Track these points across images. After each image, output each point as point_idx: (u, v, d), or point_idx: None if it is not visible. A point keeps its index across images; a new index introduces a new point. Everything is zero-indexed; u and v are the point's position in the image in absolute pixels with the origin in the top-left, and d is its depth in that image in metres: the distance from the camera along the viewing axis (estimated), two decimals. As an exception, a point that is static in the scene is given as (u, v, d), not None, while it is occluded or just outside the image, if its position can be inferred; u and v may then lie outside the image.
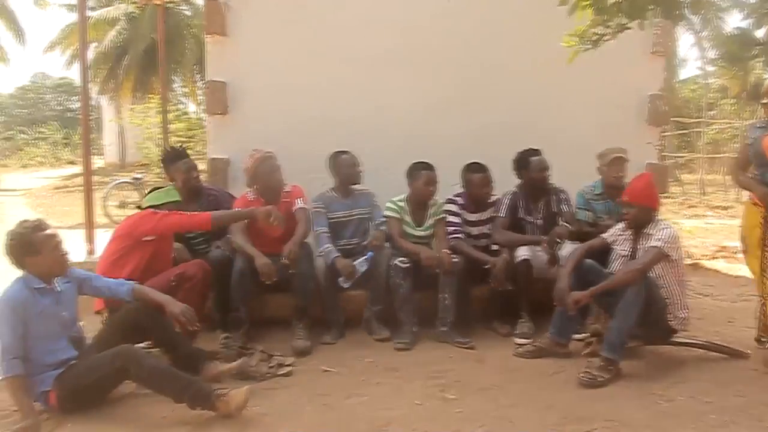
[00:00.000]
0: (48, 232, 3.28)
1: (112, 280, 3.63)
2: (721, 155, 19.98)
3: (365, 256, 4.57)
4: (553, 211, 4.86)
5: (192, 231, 4.03)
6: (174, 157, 4.77)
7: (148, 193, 4.30)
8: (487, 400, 3.55)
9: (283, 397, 3.59)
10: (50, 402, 3.27)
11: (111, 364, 3.23)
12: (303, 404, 3.50)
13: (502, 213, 4.84)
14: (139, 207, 4.30)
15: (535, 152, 4.81)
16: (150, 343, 3.72)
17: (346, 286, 4.53)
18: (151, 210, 4.07)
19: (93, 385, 3.26)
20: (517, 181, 4.93)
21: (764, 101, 4.08)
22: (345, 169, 4.85)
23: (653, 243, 3.94)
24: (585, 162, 4.87)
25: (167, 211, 4.05)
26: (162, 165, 4.96)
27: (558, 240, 4.53)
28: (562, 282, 4.13)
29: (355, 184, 4.89)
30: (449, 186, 4.98)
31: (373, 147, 5.31)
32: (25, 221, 3.31)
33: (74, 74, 45.85)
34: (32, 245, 3.20)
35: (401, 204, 4.82)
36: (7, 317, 3.13)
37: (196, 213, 4.11)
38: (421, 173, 4.74)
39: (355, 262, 4.52)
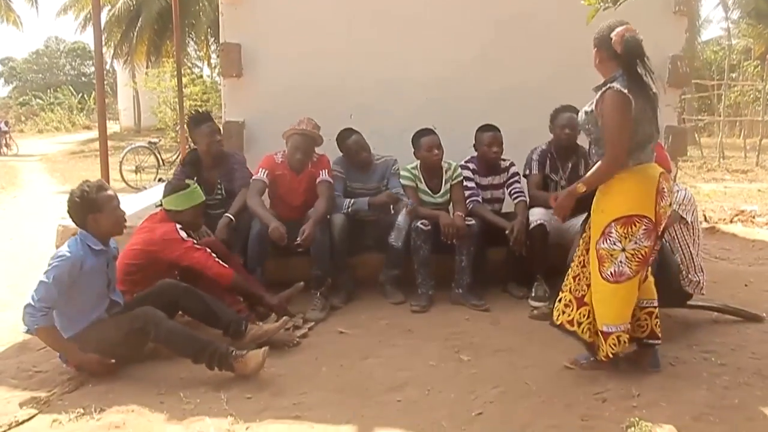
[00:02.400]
0: (110, 192, 3.41)
1: None
2: (742, 118, 19.68)
3: (399, 221, 4.49)
4: (580, 175, 4.77)
5: (207, 273, 3.82)
6: (198, 121, 4.75)
7: (166, 191, 4.05)
8: (501, 361, 3.59)
9: (299, 359, 3.64)
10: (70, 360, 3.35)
11: (130, 325, 3.29)
12: (319, 365, 3.55)
13: (535, 170, 4.78)
14: (159, 204, 4.18)
15: (568, 109, 4.68)
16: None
17: (397, 244, 4.47)
18: (176, 231, 3.84)
19: (111, 346, 3.31)
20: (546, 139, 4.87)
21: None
22: (350, 156, 4.83)
23: None
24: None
25: (194, 244, 3.85)
26: (187, 129, 4.97)
27: None
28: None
29: (363, 166, 4.86)
30: (469, 149, 4.95)
31: (393, 110, 5.31)
32: (88, 182, 3.43)
33: (88, 38, 45.91)
34: (95, 203, 3.31)
35: (415, 172, 4.80)
36: (60, 272, 3.17)
37: (223, 265, 3.87)
38: (421, 141, 4.71)
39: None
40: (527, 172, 4.83)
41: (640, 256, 3.15)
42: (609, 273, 3.17)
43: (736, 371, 3.38)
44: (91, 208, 3.32)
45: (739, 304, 4.38)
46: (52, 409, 3.01)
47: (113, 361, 3.30)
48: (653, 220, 3.13)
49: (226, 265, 3.90)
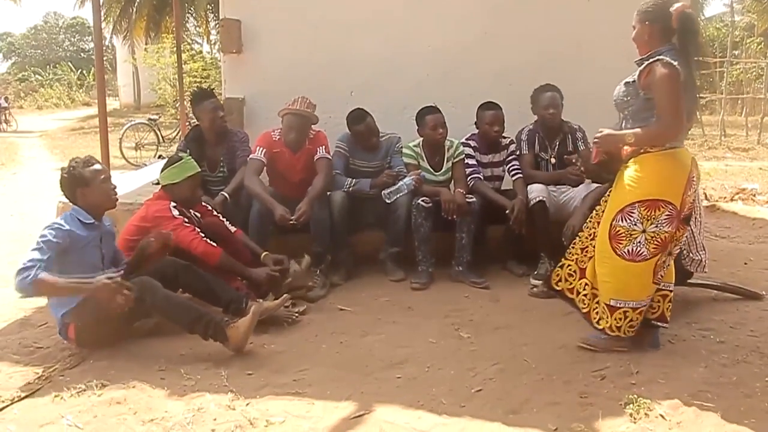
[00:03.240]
0: (96, 166, 3.47)
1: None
2: (744, 96, 19.59)
3: (405, 182, 4.50)
4: (569, 150, 4.75)
5: (193, 252, 3.77)
6: (201, 97, 4.74)
7: (164, 167, 4.03)
8: (501, 338, 3.60)
9: (299, 335, 3.66)
10: (69, 335, 3.36)
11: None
12: (319, 342, 3.56)
13: (525, 150, 4.79)
14: (156, 182, 4.14)
15: (549, 88, 4.69)
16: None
17: (389, 200, 4.48)
18: (169, 209, 3.83)
19: (108, 317, 3.27)
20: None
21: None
22: (359, 139, 4.78)
23: None
24: (608, 101, 4.75)
25: (183, 222, 3.83)
26: (190, 105, 4.95)
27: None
28: (575, 219, 4.14)
29: (370, 147, 4.83)
30: (469, 127, 4.92)
31: (394, 86, 5.28)
32: (76, 158, 3.50)
33: (86, 14, 45.49)
34: (82, 177, 3.38)
35: (417, 150, 4.78)
36: (51, 237, 3.19)
37: (210, 244, 3.85)
38: (426, 119, 4.68)
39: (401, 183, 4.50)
40: (518, 152, 4.82)
41: (659, 240, 3.11)
42: (625, 251, 3.15)
43: (735, 349, 3.40)
44: (79, 183, 3.38)
45: (738, 282, 4.39)
46: (53, 385, 3.03)
47: (128, 291, 3.15)
48: (678, 208, 3.08)
49: (215, 245, 3.87)
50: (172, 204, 3.86)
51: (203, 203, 4.19)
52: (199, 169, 4.10)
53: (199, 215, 4.08)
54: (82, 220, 3.36)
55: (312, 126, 4.68)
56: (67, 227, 3.26)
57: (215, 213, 4.21)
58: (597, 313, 3.36)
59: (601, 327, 3.32)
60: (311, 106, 4.59)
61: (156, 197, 4.01)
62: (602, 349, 3.33)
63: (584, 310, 3.43)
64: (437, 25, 5.39)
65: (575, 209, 4.40)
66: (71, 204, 3.47)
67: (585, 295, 3.41)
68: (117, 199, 3.56)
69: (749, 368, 3.18)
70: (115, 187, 3.52)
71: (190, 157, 4.11)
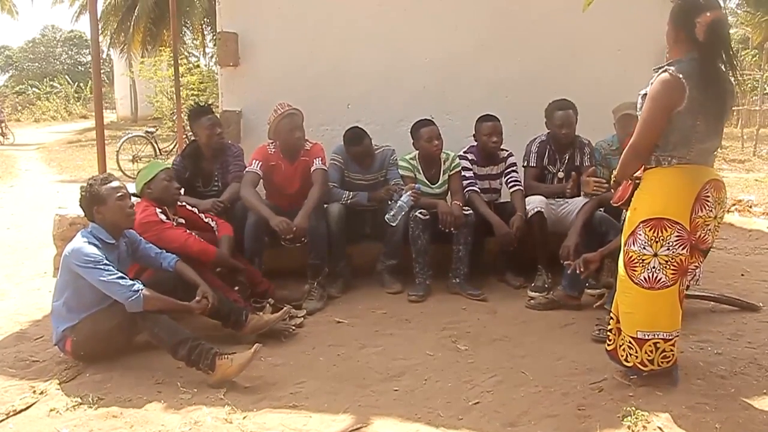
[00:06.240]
0: (113, 184, 3.42)
1: (156, 248, 3.68)
2: (739, 108, 19.68)
3: (402, 200, 4.45)
4: (576, 165, 4.71)
5: (188, 252, 3.78)
6: (198, 114, 4.74)
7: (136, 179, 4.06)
8: (498, 351, 3.59)
9: (296, 348, 3.65)
10: (66, 347, 3.33)
11: (122, 312, 3.25)
12: (316, 355, 3.55)
13: (533, 162, 4.74)
14: (135, 194, 4.08)
15: (565, 104, 4.61)
16: None
17: (393, 224, 4.44)
18: (155, 214, 3.82)
19: (106, 334, 3.29)
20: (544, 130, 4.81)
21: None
22: (355, 159, 4.78)
23: None
24: (604, 112, 4.77)
25: (171, 224, 3.85)
26: (187, 121, 4.97)
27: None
28: (570, 240, 4.14)
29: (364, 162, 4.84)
30: (466, 138, 4.93)
31: (390, 99, 5.29)
32: (95, 176, 3.49)
33: (84, 27, 45.69)
34: (99, 196, 3.34)
35: (413, 162, 4.78)
36: (100, 257, 3.21)
37: (204, 242, 3.89)
38: (421, 131, 4.68)
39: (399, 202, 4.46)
40: (525, 163, 4.79)
41: (675, 264, 2.83)
42: (642, 278, 2.88)
43: (732, 360, 3.40)
44: (96, 201, 3.34)
45: (735, 293, 4.40)
46: (49, 399, 3.01)
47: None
48: (687, 228, 2.80)
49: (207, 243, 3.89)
50: (158, 210, 3.86)
51: (182, 203, 4.17)
52: (168, 165, 4.12)
53: (183, 219, 4.08)
54: (103, 239, 3.33)
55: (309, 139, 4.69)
56: (94, 242, 3.27)
57: (196, 213, 4.20)
58: (624, 349, 3.07)
59: (630, 364, 3.05)
60: (289, 105, 4.58)
61: (139, 209, 3.98)
62: (640, 384, 3.07)
63: (609, 348, 3.17)
64: (433, 38, 5.41)
65: (570, 228, 4.34)
66: (69, 216, 3.45)
67: (610, 331, 3.16)
68: (134, 218, 3.52)
69: (747, 380, 3.17)
70: (132, 206, 3.48)
71: (155, 162, 4.13)
